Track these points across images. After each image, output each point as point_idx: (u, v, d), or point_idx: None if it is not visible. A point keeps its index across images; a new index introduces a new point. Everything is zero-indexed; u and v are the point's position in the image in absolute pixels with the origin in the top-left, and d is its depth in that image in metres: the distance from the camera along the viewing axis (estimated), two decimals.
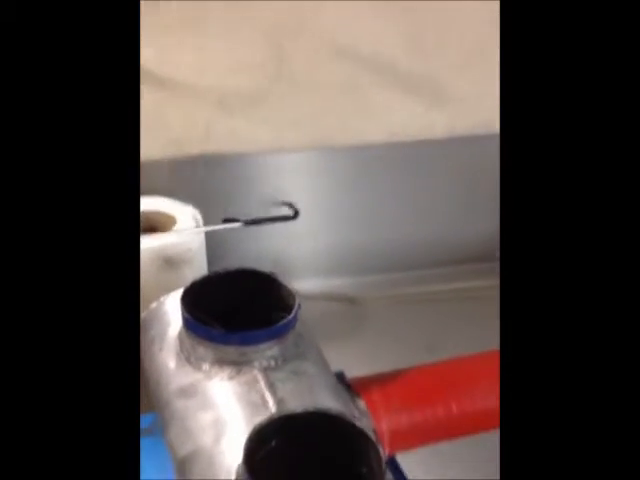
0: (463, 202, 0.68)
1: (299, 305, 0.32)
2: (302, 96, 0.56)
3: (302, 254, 0.68)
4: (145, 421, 0.39)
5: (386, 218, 0.68)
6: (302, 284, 0.69)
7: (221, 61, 0.53)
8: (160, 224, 0.52)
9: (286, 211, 0.59)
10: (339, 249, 0.68)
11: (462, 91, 0.59)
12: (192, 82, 0.53)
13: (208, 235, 0.52)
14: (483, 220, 0.68)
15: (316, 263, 0.69)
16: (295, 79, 0.55)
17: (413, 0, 0.54)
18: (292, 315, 0.32)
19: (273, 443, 0.26)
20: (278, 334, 0.32)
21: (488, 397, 0.35)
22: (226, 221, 0.51)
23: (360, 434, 0.25)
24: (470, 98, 0.59)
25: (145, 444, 0.39)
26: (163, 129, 0.54)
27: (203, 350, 0.32)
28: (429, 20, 0.56)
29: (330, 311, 0.67)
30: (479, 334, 0.52)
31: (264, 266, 0.66)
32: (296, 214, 0.58)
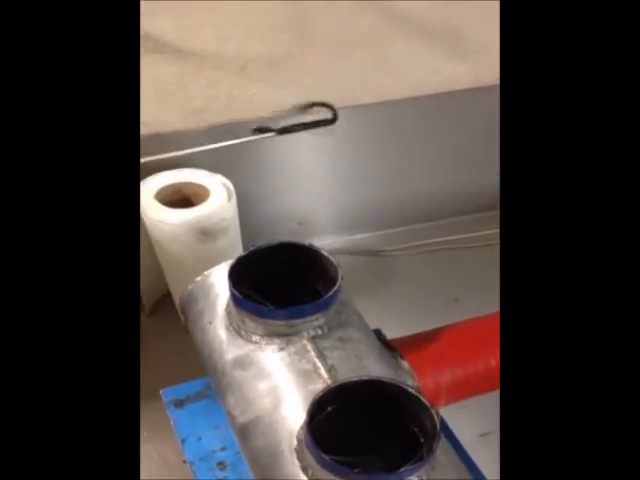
0: (481, 151, 0.68)
1: (342, 277, 0.34)
2: (323, 56, 0.55)
3: (325, 213, 0.69)
4: (199, 385, 0.42)
5: (404, 173, 0.68)
6: (326, 241, 0.71)
7: (241, 28, 0.52)
8: (193, 195, 0.53)
9: (324, 115, 0.47)
10: (360, 206, 0.69)
11: (483, 40, 0.58)
12: (213, 52, 0.53)
13: (239, 202, 0.53)
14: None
15: (339, 220, 0.70)
16: (315, 39, 0.54)
17: None
18: (336, 287, 0.33)
19: (330, 409, 0.28)
20: (325, 306, 0.33)
21: None
22: (257, 131, 0.43)
23: (413, 398, 0.27)
24: (492, 47, 0.58)
25: (201, 406, 0.41)
26: (185, 100, 0.55)
27: (253, 324, 0.34)
28: None
29: (355, 266, 0.69)
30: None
31: (289, 226, 0.68)
32: (335, 117, 0.47)
